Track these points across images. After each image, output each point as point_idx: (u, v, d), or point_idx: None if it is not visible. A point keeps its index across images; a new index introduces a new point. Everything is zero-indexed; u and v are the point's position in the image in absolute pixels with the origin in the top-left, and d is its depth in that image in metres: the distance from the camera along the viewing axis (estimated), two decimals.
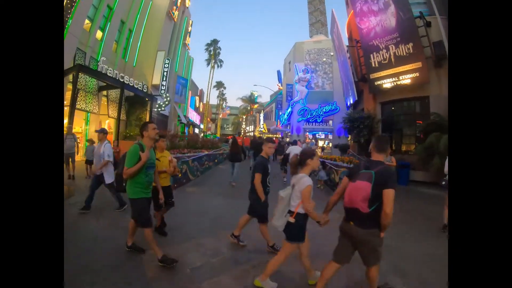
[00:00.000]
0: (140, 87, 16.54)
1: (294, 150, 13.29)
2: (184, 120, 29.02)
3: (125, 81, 15.17)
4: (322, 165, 10.71)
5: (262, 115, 54.01)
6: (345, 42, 19.91)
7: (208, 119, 54.48)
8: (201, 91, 47.80)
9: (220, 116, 65.44)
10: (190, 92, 36.31)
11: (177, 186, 8.31)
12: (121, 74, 14.97)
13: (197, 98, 43.24)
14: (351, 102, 19.90)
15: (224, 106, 67.72)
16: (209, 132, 50.57)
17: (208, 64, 47.21)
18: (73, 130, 15.20)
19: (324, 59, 33.32)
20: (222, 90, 62.91)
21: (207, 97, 48.03)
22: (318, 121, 31.69)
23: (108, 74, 14.00)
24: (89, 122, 15.36)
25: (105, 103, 16.41)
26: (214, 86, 60.15)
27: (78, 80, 13.43)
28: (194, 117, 39.00)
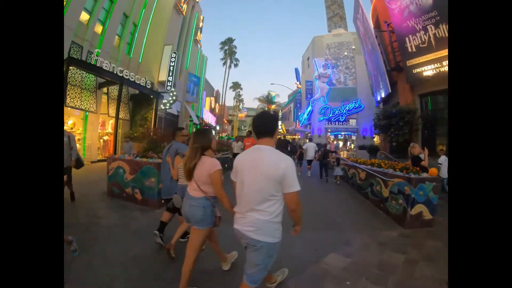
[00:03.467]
0: (143, 82, 15.27)
1: (310, 147, 13.38)
2: (196, 121, 27.51)
3: (125, 76, 13.84)
4: (336, 161, 11.36)
5: (280, 115, 51.89)
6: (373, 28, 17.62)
7: (225, 120, 53.04)
8: (217, 92, 46.42)
9: (237, 117, 63.85)
10: (204, 92, 35.22)
11: (166, 201, 6.27)
12: (120, 68, 13.70)
13: (212, 99, 41.75)
14: (382, 96, 17.69)
15: (241, 107, 66.21)
16: (225, 134, 49.04)
17: (223, 64, 45.86)
18: (75, 132, 14.51)
19: (346, 53, 30.88)
20: (239, 91, 61.45)
21: (222, 98, 46.53)
22: (341, 120, 29.21)
23: (104, 67, 12.72)
24: (88, 122, 14.29)
25: (105, 101, 15.34)
26: (231, 87, 59.12)
27: (73, 75, 12.74)
28: (209, 118, 37.64)
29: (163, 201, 4.53)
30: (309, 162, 13.42)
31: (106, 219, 5.28)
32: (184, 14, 22.17)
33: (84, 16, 13.68)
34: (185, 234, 4.28)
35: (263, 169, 2.10)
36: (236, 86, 60.00)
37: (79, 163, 6.27)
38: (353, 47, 30.03)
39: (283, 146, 18.84)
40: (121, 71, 13.59)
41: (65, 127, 15.01)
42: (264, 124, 2.26)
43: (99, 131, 15.21)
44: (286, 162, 2.10)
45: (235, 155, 9.92)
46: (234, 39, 46.22)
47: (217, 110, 45.50)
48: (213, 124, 40.35)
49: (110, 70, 13.00)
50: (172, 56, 18.76)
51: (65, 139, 5.68)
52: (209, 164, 2.66)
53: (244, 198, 2.20)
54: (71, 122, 14.68)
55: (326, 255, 4.05)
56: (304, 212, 2.55)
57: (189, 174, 2.70)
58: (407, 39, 12.58)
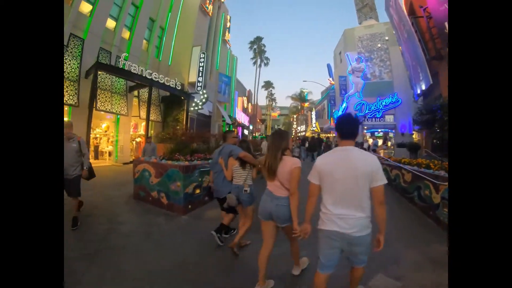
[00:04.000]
0: (172, 84, 15.11)
1: None
2: (229, 121, 27.22)
3: (154, 78, 13.73)
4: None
5: (313, 113, 50.56)
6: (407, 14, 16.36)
7: (258, 120, 52.73)
8: (249, 91, 46.14)
9: (270, 116, 63.33)
10: (236, 92, 34.94)
11: (193, 207, 6.07)
12: (149, 71, 13.64)
13: (245, 98, 41.52)
14: (423, 88, 16.22)
15: (273, 106, 65.61)
16: (258, 133, 48.72)
17: (254, 63, 45.54)
18: (108, 135, 15.01)
19: (379, 45, 28.77)
20: (271, 90, 60.84)
21: (254, 97, 46.23)
22: (378, 116, 27.14)
23: (133, 71, 12.72)
24: (119, 125, 14.60)
25: (136, 104, 15.44)
26: (262, 86, 58.71)
27: (103, 80, 12.91)
28: (242, 118, 37.30)
29: (218, 200, 4.35)
30: None
31: (127, 226, 4.92)
32: (210, 15, 21.97)
33: (111, 23, 14.01)
34: (229, 230, 4.61)
35: (358, 166, 2.22)
36: (268, 85, 59.41)
37: (91, 174, 5.30)
38: (387, 38, 27.95)
39: (317, 145, 18.84)
40: (150, 74, 13.52)
41: (93, 131, 15.35)
42: (353, 129, 2.41)
43: (131, 133, 15.50)
44: (372, 158, 2.30)
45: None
46: (263, 38, 45.68)
47: (249, 110, 45.25)
48: (246, 123, 40.04)
49: (139, 73, 12.97)
50: (201, 56, 18.53)
51: (74, 145, 4.72)
52: (291, 163, 2.81)
53: (339, 197, 2.27)
54: (105, 125, 15.21)
55: (372, 276, 3.29)
56: None
57: (273, 174, 2.84)
58: (446, 23, 11.28)
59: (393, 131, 26.45)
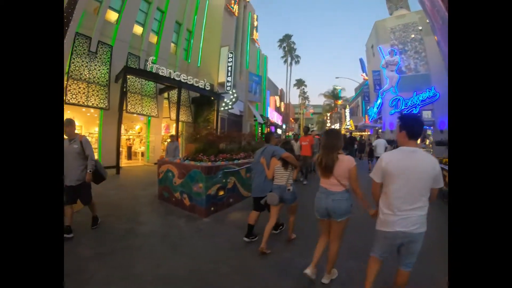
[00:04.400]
0: (201, 85, 15.08)
1: (379, 143, 13.34)
2: (261, 120, 26.83)
3: (182, 80, 13.75)
4: None
5: (347, 111, 49.09)
6: None
7: (291, 119, 52.13)
8: (281, 90, 45.66)
9: (304, 115, 62.42)
10: (268, 91, 34.59)
11: (216, 209, 5.76)
12: (177, 73, 13.66)
13: (277, 98, 41.14)
14: None
15: (306, 105, 64.62)
16: (292, 133, 48.17)
17: (284, 62, 45.04)
18: (141, 136, 15.45)
19: (413, 36, 26.82)
20: (303, 89, 59.86)
21: (286, 96, 45.72)
22: (415, 112, 24.62)
23: (161, 73, 12.79)
24: (151, 126, 15.03)
25: (167, 105, 15.62)
26: (294, 85, 57.89)
27: (133, 84, 13.26)
28: (275, 117, 36.99)
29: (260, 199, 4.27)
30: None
31: (146, 226, 4.75)
32: (236, 14, 21.83)
33: (138, 29, 14.39)
34: (277, 226, 4.70)
35: (426, 168, 2.30)
36: (299, 83, 58.43)
37: (98, 177, 4.69)
38: (420, 27, 26.11)
39: (349, 143, 18.18)
40: (178, 75, 13.54)
41: (127, 132, 15.81)
42: (421, 129, 2.44)
43: (162, 134, 15.87)
44: (435, 160, 2.38)
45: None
46: (292, 35, 44.93)
47: (282, 109, 44.83)
48: (279, 123, 39.66)
49: (167, 76, 13.04)
50: (229, 56, 18.39)
51: (75, 146, 4.27)
52: (347, 161, 2.92)
53: (406, 197, 2.32)
54: (138, 127, 15.62)
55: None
56: None
57: (329, 172, 2.93)
58: None
59: (432, 128, 24.60)
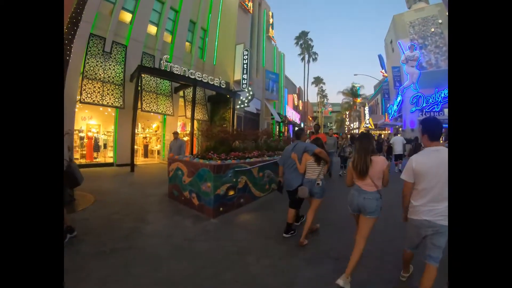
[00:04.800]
0: (217, 83, 14.92)
1: (397, 140, 12.90)
2: (278, 118, 26.46)
3: (197, 78, 13.62)
4: None
5: (366, 109, 47.93)
6: None
7: (309, 117, 51.46)
8: (299, 89, 45.13)
9: (322, 114, 61.52)
10: (286, 90, 34.15)
11: (225, 209, 5.53)
12: (192, 71, 13.54)
13: (295, 96, 40.63)
14: None
15: (325, 103, 63.70)
16: (309, 131, 47.48)
17: (301, 59, 44.45)
18: (159, 134, 15.54)
19: (433, 30, 25.79)
20: (321, 86, 59.00)
21: (304, 94, 45.14)
22: (436, 110, 23.97)
23: (175, 71, 12.70)
24: (166, 124, 15.10)
25: (183, 104, 15.64)
26: (312, 83, 57.15)
27: (148, 82, 13.35)
28: (293, 116, 36.50)
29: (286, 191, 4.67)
30: (397, 157, 12.65)
31: (152, 226, 4.60)
32: (251, 12, 21.56)
33: (152, 29, 14.49)
34: (299, 218, 5.00)
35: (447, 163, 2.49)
36: (318, 81, 57.58)
37: (71, 180, 4.28)
38: (440, 21, 25.13)
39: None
40: (193, 74, 13.42)
41: (144, 131, 15.90)
42: (441, 131, 2.72)
43: (179, 132, 15.67)
44: None
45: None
46: (308, 32, 44.17)
47: (300, 107, 44.29)
48: (297, 121, 39.13)
49: (182, 74, 12.96)
50: (245, 54, 18.18)
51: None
52: (381, 162, 3.10)
53: (433, 191, 2.55)
54: (155, 125, 15.70)
55: None
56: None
57: (364, 174, 3.08)
58: None
59: None
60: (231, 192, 5.66)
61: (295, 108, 40.15)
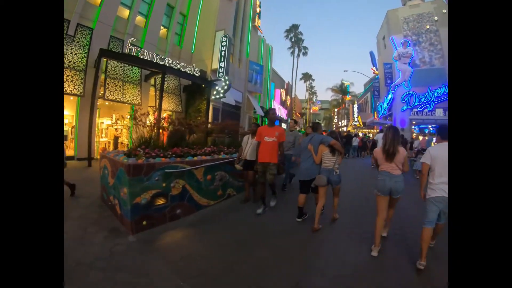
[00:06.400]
0: (190, 70, 13.70)
1: (381, 138, 10.92)
2: (261, 112, 25.30)
3: (167, 64, 12.42)
4: (417, 154, 11.83)
5: (355, 106, 47.09)
6: None
7: (297, 113, 50.49)
8: (288, 84, 43.99)
9: (311, 110, 60.64)
10: (273, 84, 33.26)
11: (151, 223, 4.35)
12: (160, 56, 12.35)
13: (283, 91, 39.54)
14: None
15: (314, 100, 62.83)
16: (298, 128, 46.54)
17: (291, 53, 43.36)
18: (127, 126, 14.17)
19: (428, 27, 24.94)
20: (311, 83, 58.02)
21: (293, 89, 44.09)
22: (429, 109, 23.30)
23: (141, 56, 11.58)
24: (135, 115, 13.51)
25: (153, 93, 14.40)
26: (301, 78, 56.22)
27: (114, 68, 12.22)
28: (279, 111, 35.31)
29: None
30: None
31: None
32: None
33: (124, 12, 13.32)
34: (301, 215, 5.10)
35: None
36: (306, 77, 56.62)
37: None
38: (436, 18, 24.36)
39: (347, 142, 18.24)
40: (162, 59, 12.23)
41: (111, 121, 14.74)
42: (447, 132, 3.58)
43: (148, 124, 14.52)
44: None
45: None
46: (299, 25, 43.28)
47: (288, 103, 43.20)
48: (284, 117, 38.21)
49: (149, 59, 11.78)
50: (223, 40, 16.94)
51: None
52: (403, 152, 3.90)
53: (443, 173, 3.36)
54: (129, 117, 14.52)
55: None
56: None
57: (392, 158, 3.84)
58: None
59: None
60: (160, 201, 4.48)
61: (283, 103, 39.17)
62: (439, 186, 3.37)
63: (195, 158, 5.21)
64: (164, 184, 4.53)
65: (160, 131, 5.71)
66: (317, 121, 66.53)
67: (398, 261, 3.66)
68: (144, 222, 4.24)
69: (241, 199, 6.11)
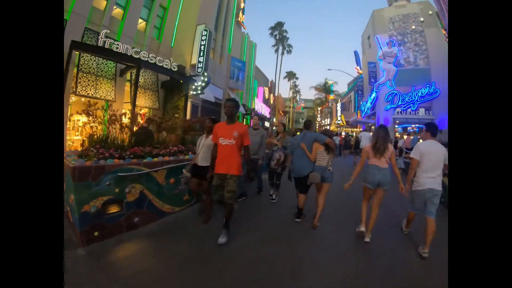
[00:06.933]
0: (167, 65, 13.18)
1: (364, 136, 13.78)
2: (242, 110, 24.96)
3: (142, 58, 11.86)
4: (399, 152, 12.50)
5: (339, 105, 47.28)
6: None
7: (280, 112, 50.31)
8: (272, 82, 43.68)
9: (297, 110, 60.60)
10: (256, 81, 32.99)
11: (103, 234, 3.89)
12: (136, 49, 11.82)
13: (266, 89, 39.29)
14: None
15: (298, 99, 62.88)
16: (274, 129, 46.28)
17: (275, 51, 43.03)
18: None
19: (413, 27, 25.67)
20: (295, 82, 57.87)
21: (276, 87, 43.87)
22: (413, 109, 23.88)
23: (114, 49, 11.04)
24: (109, 112, 12.86)
25: (129, 89, 13.81)
26: (285, 77, 55.97)
27: (87, 62, 11.67)
28: (262, 109, 35.28)
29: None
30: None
31: None
32: None
33: (101, 3, 12.65)
34: (300, 215, 5.21)
35: (440, 151, 3.98)
36: (290, 75, 56.32)
37: None
38: (422, 19, 25.03)
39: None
40: (137, 53, 11.70)
41: (84, 119, 14.10)
42: (437, 131, 4.25)
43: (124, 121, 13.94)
44: (444, 148, 3.98)
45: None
46: (284, 23, 42.95)
47: (271, 101, 42.92)
48: (267, 115, 38.04)
49: (123, 52, 11.21)
50: (203, 34, 16.44)
51: None
52: (391, 148, 4.34)
53: (432, 167, 3.96)
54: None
55: None
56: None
57: (382, 154, 4.26)
58: None
59: (423, 126, 23.06)
60: (114, 209, 4.03)
61: (266, 101, 38.97)
62: (425, 180, 3.95)
63: (156, 159, 4.75)
64: (117, 190, 4.06)
65: (123, 127, 5.11)
66: (300, 120, 66.88)
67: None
68: (96, 233, 3.79)
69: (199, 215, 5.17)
